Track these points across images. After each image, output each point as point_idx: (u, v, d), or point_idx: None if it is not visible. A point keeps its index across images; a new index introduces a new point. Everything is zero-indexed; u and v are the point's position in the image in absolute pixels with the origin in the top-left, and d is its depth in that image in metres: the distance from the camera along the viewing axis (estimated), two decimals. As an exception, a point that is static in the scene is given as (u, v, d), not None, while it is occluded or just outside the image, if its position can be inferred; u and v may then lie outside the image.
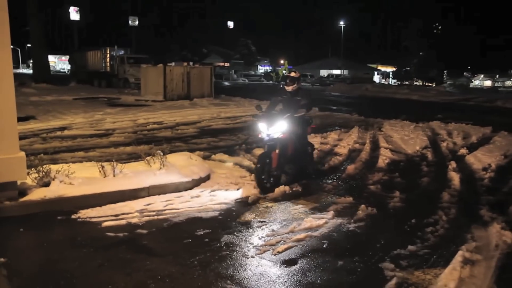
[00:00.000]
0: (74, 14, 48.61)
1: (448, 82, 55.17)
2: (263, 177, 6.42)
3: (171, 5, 54.77)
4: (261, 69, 69.16)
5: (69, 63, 42.61)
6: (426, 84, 54.31)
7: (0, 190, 5.31)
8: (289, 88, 7.04)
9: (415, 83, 52.63)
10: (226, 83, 47.21)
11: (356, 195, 6.39)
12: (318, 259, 4.25)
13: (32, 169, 6.02)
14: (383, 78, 66.27)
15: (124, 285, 3.61)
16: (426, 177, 7.66)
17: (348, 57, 66.70)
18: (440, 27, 58.10)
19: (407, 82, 53.07)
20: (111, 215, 5.26)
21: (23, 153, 5.63)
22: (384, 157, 9.04)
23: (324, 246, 4.55)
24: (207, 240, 4.64)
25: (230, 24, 70.93)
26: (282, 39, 67.98)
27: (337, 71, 61.92)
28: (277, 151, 6.58)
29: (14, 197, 5.45)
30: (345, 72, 61.52)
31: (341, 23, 64.16)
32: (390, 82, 61.14)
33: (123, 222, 5.07)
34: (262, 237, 4.74)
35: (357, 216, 5.48)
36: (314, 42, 69.91)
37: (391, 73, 66.32)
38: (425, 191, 6.87)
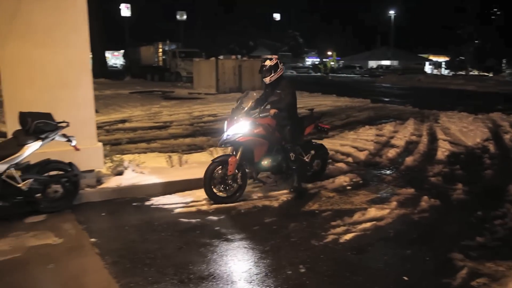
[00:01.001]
0: (125, 10, 50.13)
1: (507, 71, 52.41)
2: (211, 181, 5.49)
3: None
4: (309, 61, 68.69)
5: (123, 58, 44.13)
6: (483, 74, 51.86)
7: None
8: (266, 80, 5.99)
9: (470, 73, 50.34)
10: (273, 75, 47.20)
11: (417, 187, 6.37)
12: (386, 248, 4.35)
13: (107, 158, 6.46)
14: (435, 68, 64.01)
15: (204, 265, 3.88)
16: (490, 169, 7.49)
17: (398, 47, 64.90)
18: (498, 12, 55.15)
19: (461, 72, 50.85)
20: (182, 203, 5.57)
21: (100, 144, 6.06)
22: (443, 149, 8.90)
23: (390, 235, 4.64)
24: (275, 227, 4.84)
25: (277, 16, 70.80)
26: (330, 30, 67.05)
27: (386, 62, 60.47)
28: (237, 157, 5.60)
29: (93, 185, 5.88)
30: (395, 63, 59.94)
31: (391, 12, 62.49)
32: (442, 72, 58.89)
33: (193, 209, 5.37)
34: (328, 225, 4.88)
35: (420, 207, 5.50)
36: (363, 32, 68.51)
37: (443, 63, 63.93)
38: (490, 184, 6.75)
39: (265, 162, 5.97)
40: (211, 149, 7.18)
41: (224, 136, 5.71)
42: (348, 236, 4.55)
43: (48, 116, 4.93)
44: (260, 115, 5.77)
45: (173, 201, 5.62)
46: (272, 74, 5.93)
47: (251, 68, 22.61)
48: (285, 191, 6.13)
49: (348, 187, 6.38)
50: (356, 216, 5.11)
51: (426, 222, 5.08)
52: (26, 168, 4.93)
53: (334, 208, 5.48)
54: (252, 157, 5.78)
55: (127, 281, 3.60)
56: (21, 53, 5.32)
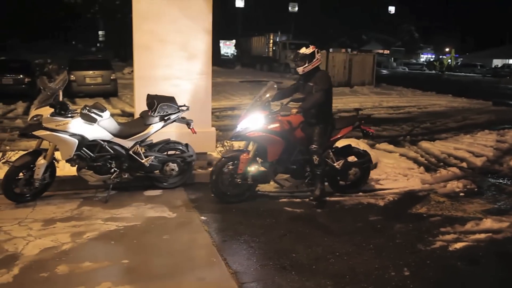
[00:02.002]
0: (239, 1, 51.68)
1: None
2: (219, 178, 5.16)
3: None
4: (423, 57, 64.96)
5: (235, 48, 45.73)
6: None
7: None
8: (299, 70, 5.28)
9: None
10: (384, 71, 45.60)
11: (545, 201, 5.76)
12: (502, 263, 4.03)
13: (218, 143, 6.81)
14: None
15: (306, 256, 3.94)
16: None
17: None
18: None
19: None
20: (287, 192, 5.68)
21: (213, 129, 6.41)
22: None
23: (510, 251, 4.28)
24: (380, 226, 4.74)
25: (391, 9, 67.80)
26: (448, 25, 62.53)
27: (514, 61, 54.74)
28: (249, 154, 5.13)
29: (204, 166, 6.25)
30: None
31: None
32: None
33: (298, 200, 5.45)
34: (436, 231, 4.64)
35: (546, 224, 4.98)
36: (485, 28, 62.73)
37: None
38: None
39: (282, 164, 5.30)
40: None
41: (237, 128, 5.21)
42: (459, 245, 4.29)
43: (171, 99, 5.35)
44: (281, 113, 5.05)
45: (279, 190, 5.75)
46: (306, 65, 5.19)
47: (361, 63, 22.10)
48: (392, 190, 5.95)
49: (461, 194, 5.98)
50: (469, 225, 4.79)
51: (552, 241, 4.59)
52: (149, 146, 5.41)
53: (444, 214, 5.19)
54: (266, 156, 5.21)
55: (233, 259, 3.81)
56: (151, 42, 5.81)
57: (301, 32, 47.92)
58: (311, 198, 5.23)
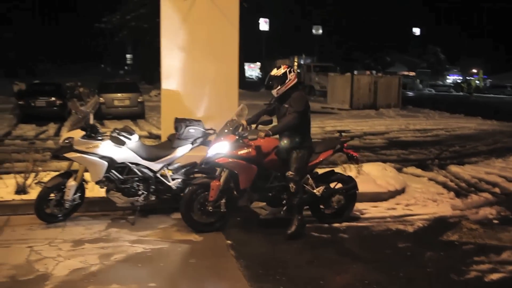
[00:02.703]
0: (263, 24, 52.43)
1: None
2: (190, 206, 4.89)
3: (355, 14, 55.01)
4: (450, 78, 64.05)
5: (260, 70, 46.19)
6: None
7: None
8: (273, 92, 4.95)
9: None
10: (410, 93, 45.10)
11: None
12: (541, 295, 3.86)
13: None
14: None
15: (335, 283, 3.86)
16: None
17: None
18: None
19: None
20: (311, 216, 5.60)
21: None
22: None
23: (548, 282, 4.09)
24: (410, 254, 4.61)
25: (416, 30, 67.50)
26: (476, 45, 61.69)
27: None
28: (220, 181, 4.81)
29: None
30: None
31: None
32: None
33: (325, 225, 5.37)
34: (470, 260, 4.48)
35: None
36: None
37: None
38: None
39: (257, 191, 4.98)
40: (344, 165, 7.10)
41: (207, 154, 4.95)
42: (495, 276, 4.12)
43: (199, 123, 5.41)
44: (249, 137, 4.67)
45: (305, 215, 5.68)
46: (279, 87, 4.86)
47: (387, 85, 21.95)
48: (422, 215, 5.80)
49: (495, 221, 5.78)
50: (505, 255, 4.60)
51: None
52: (176, 169, 5.45)
53: (477, 242, 5.02)
54: (238, 183, 4.88)
55: (260, 286, 3.76)
56: (180, 64, 5.94)
57: (325, 54, 48.16)
58: (288, 233, 4.83)
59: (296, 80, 4.99)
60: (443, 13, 63.69)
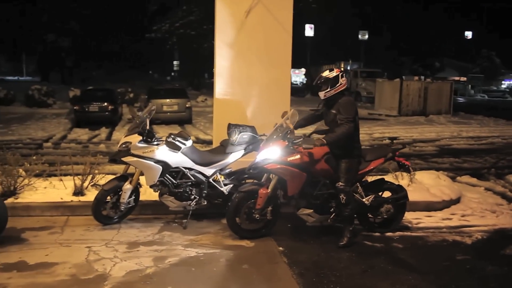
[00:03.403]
0: (309, 30, 52.23)
1: None
2: (236, 213, 4.79)
3: (403, 19, 53.81)
4: (504, 83, 61.19)
5: (305, 76, 46.02)
6: None
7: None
8: (321, 94, 4.83)
9: None
10: (461, 99, 43.49)
11: None
12: None
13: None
14: None
15: (391, 295, 3.76)
16: None
17: None
18: None
19: None
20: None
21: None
22: None
23: None
24: (469, 267, 4.42)
25: (468, 34, 65.06)
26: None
27: None
28: (268, 189, 4.75)
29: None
30: None
31: None
32: None
33: (377, 234, 5.24)
34: (536, 276, 4.25)
35: None
36: None
37: None
38: None
39: (304, 198, 4.89)
40: (396, 173, 6.91)
41: (256, 159, 4.87)
42: None
43: (252, 129, 5.45)
44: (303, 145, 4.52)
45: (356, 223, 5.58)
46: (328, 89, 4.74)
47: (438, 91, 21.28)
48: (480, 227, 5.56)
49: None
50: None
51: None
52: (228, 175, 5.50)
53: (543, 257, 4.75)
54: (286, 189, 4.80)
55: (314, 294, 3.72)
56: (234, 70, 6.02)
57: (371, 60, 47.34)
58: (340, 245, 4.75)
59: (346, 85, 4.91)
60: (495, 15, 61.05)
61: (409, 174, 6.78)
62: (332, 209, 4.96)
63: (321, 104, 5.08)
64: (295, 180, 4.72)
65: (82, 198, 5.74)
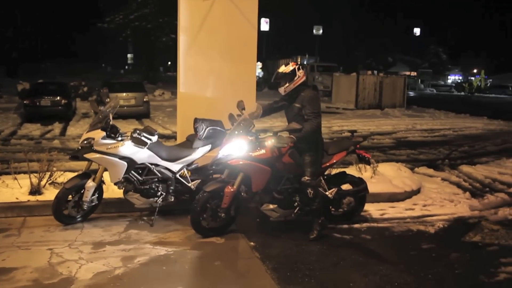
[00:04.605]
0: (264, 25, 52.40)
1: None
2: (202, 213, 4.68)
3: (355, 14, 55.07)
4: (450, 78, 64.06)
5: (262, 71, 46.11)
6: None
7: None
8: (281, 90, 4.79)
9: None
10: (411, 93, 45.13)
11: None
12: None
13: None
14: None
15: (364, 285, 3.80)
16: None
17: None
18: None
19: None
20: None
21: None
22: None
23: None
24: (435, 255, 4.55)
25: (417, 31, 67.48)
26: (478, 45, 61.62)
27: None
28: (234, 186, 4.63)
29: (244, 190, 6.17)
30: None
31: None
32: None
33: (345, 226, 5.31)
34: (497, 262, 4.42)
35: None
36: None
37: None
38: None
39: (268, 193, 4.84)
40: (359, 165, 7.03)
41: (218, 155, 4.77)
42: (525, 278, 4.07)
43: (219, 123, 5.35)
44: (277, 144, 4.53)
45: (323, 215, 5.63)
46: (287, 84, 4.70)
47: (392, 85, 21.96)
48: (440, 216, 5.75)
49: (515, 221, 5.74)
50: (531, 256, 4.56)
51: None
52: (195, 170, 5.39)
53: (501, 243, 4.96)
54: (250, 185, 4.72)
55: (289, 288, 3.70)
56: (198, 64, 5.88)
57: (326, 54, 48.14)
58: (310, 238, 4.75)
59: (304, 77, 4.85)
60: (443, 12, 63.54)
61: (371, 166, 6.93)
62: (296, 203, 4.94)
63: (281, 98, 5.01)
64: (260, 176, 4.65)
65: (40, 197, 5.45)
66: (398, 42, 61.33)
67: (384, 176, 6.93)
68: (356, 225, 5.31)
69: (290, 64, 4.83)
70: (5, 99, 21.32)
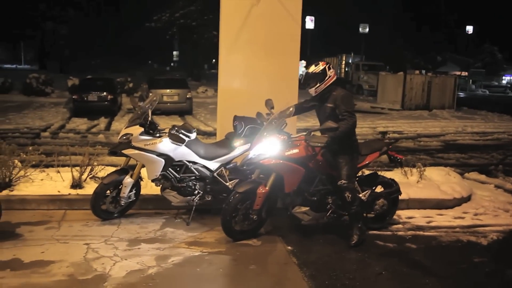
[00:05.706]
0: (309, 23, 51.82)
1: None
2: (233, 215, 4.48)
3: (405, 12, 53.44)
4: (505, 79, 60.96)
5: (305, 69, 45.73)
6: None
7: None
8: (311, 91, 4.59)
9: None
10: (462, 94, 43.33)
11: None
12: None
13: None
14: None
15: (409, 301, 3.54)
16: None
17: None
18: None
19: None
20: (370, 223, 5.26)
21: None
22: None
23: None
24: (488, 270, 4.20)
25: (469, 28, 64.65)
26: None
27: None
28: (267, 187, 4.41)
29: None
30: None
31: None
32: None
33: (389, 232, 5.03)
34: (558, 280, 4.04)
35: None
36: None
37: None
38: None
39: (300, 195, 4.61)
40: (405, 169, 6.69)
41: (249, 155, 4.57)
42: None
43: (258, 121, 5.18)
44: (311, 143, 4.35)
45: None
46: (318, 84, 4.50)
47: (441, 85, 21.12)
48: (494, 227, 5.34)
49: None
50: None
51: None
52: (233, 169, 5.25)
53: None
54: (282, 186, 4.48)
55: (326, 298, 3.50)
56: (239, 61, 5.74)
57: (372, 53, 46.99)
58: (351, 245, 4.52)
59: (335, 77, 4.64)
60: (499, 10, 60.53)
61: (417, 170, 6.58)
62: (329, 206, 4.71)
63: (311, 98, 4.81)
64: (293, 176, 4.45)
65: (80, 191, 5.50)
66: (448, 40, 59.03)
67: (432, 181, 6.56)
68: (401, 233, 5.02)
69: (320, 63, 4.64)
70: (57, 93, 22.15)
